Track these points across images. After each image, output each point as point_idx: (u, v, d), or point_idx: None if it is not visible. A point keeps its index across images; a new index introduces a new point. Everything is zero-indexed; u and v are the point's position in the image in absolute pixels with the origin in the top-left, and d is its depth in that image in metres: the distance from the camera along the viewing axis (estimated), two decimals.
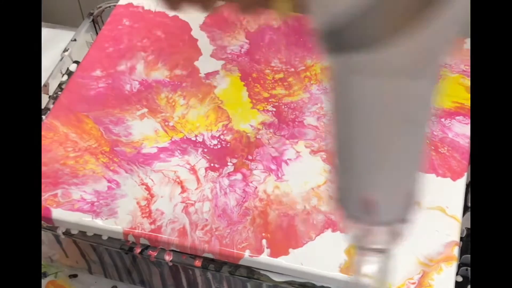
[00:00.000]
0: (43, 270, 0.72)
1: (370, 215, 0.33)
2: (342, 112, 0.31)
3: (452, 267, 0.59)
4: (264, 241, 0.60)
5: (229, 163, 0.67)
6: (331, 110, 0.32)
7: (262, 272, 0.60)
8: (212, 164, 0.67)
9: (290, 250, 0.60)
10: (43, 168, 0.66)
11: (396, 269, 0.41)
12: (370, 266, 0.36)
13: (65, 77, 0.77)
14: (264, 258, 0.59)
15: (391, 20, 0.26)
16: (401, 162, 0.33)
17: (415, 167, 0.34)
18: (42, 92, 0.75)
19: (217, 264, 0.61)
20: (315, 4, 0.28)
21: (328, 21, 0.27)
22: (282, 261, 0.59)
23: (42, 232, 0.65)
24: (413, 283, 0.58)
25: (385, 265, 0.36)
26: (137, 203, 0.64)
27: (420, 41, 0.27)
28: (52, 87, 0.76)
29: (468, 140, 0.68)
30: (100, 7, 0.85)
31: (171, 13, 0.70)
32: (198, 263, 0.61)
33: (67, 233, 0.64)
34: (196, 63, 0.77)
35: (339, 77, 0.30)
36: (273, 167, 0.66)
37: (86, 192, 0.65)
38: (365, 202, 0.33)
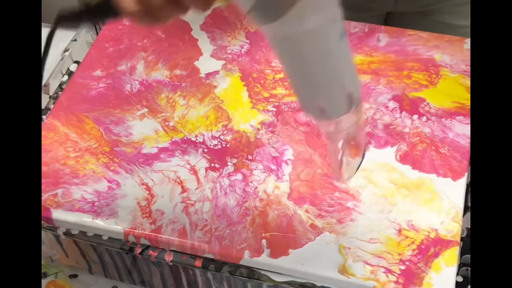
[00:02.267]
0: (43, 270, 0.72)
1: (324, 115, 0.49)
2: (287, 58, 0.47)
3: (452, 267, 0.59)
4: (264, 242, 0.60)
5: (229, 163, 0.67)
6: (280, 58, 0.47)
7: (262, 272, 0.60)
8: (212, 164, 0.67)
9: (290, 250, 0.60)
10: (44, 168, 0.66)
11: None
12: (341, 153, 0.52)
13: (66, 77, 0.77)
14: (264, 258, 0.59)
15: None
16: (331, 81, 0.47)
17: (345, 81, 0.48)
18: (42, 92, 0.75)
19: (217, 264, 0.61)
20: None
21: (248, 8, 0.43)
22: (282, 261, 0.59)
23: (43, 232, 0.65)
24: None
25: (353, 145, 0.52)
26: (138, 203, 0.64)
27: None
28: (53, 87, 0.76)
29: (469, 140, 0.68)
30: None
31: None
32: (198, 263, 0.61)
33: (67, 233, 0.64)
34: (196, 63, 0.77)
35: (274, 39, 0.46)
36: (273, 167, 0.66)
37: (86, 191, 0.65)
38: (319, 109, 0.48)
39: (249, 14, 0.43)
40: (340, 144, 0.52)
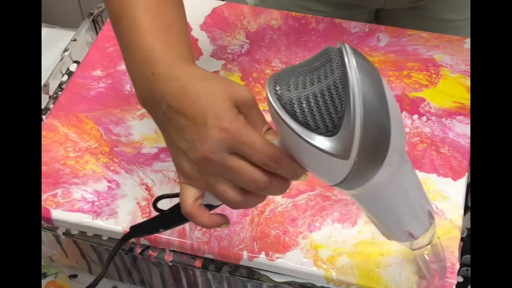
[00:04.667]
0: (43, 270, 0.72)
1: (412, 237, 0.51)
2: (372, 204, 0.49)
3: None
4: (261, 242, 0.60)
5: None
6: (363, 206, 0.50)
7: (262, 272, 0.60)
8: None
9: (288, 251, 0.60)
10: (44, 168, 0.66)
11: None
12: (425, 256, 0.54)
13: (65, 77, 0.77)
14: (263, 259, 0.59)
15: (364, 174, 0.44)
16: (415, 208, 0.50)
17: (423, 202, 0.50)
18: (42, 92, 0.75)
19: (217, 265, 0.61)
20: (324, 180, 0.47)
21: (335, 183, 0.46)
22: (281, 262, 0.59)
23: (42, 232, 0.65)
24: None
25: (436, 251, 0.54)
26: (137, 203, 0.64)
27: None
28: (52, 87, 0.76)
29: (469, 140, 0.68)
30: (100, 7, 0.84)
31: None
32: (198, 263, 0.61)
33: (67, 233, 0.64)
34: (196, 63, 0.77)
35: (358, 196, 0.48)
36: None
37: (87, 191, 0.65)
38: (407, 233, 0.50)
39: (333, 185, 0.46)
40: (426, 256, 0.54)
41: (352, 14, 0.88)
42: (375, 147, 0.42)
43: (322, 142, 0.42)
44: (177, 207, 0.52)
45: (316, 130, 0.42)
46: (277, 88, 0.43)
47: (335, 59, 0.42)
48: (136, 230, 0.56)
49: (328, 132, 0.42)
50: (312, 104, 0.42)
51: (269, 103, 0.44)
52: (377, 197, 0.47)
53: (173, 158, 0.50)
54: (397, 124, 0.43)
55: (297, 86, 0.43)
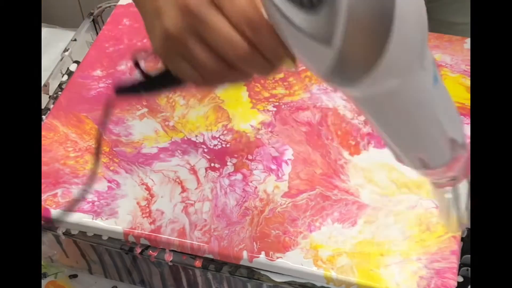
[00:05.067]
0: (43, 270, 0.72)
1: (426, 166, 0.43)
2: (374, 116, 0.41)
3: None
4: (261, 242, 0.60)
5: (229, 163, 0.67)
6: (365, 115, 0.42)
7: (262, 272, 0.60)
8: (212, 164, 0.67)
9: (288, 251, 0.60)
10: (44, 168, 0.66)
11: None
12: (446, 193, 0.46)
13: (65, 77, 0.77)
14: (263, 259, 0.59)
15: (356, 69, 0.35)
16: (431, 131, 0.41)
17: (447, 127, 0.42)
18: (42, 92, 0.75)
19: (217, 264, 0.61)
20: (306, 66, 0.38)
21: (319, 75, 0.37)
22: (281, 262, 0.59)
23: (42, 232, 0.65)
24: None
25: (456, 192, 0.46)
26: (137, 203, 0.64)
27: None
28: (52, 87, 0.76)
29: (469, 140, 0.68)
30: (100, 7, 0.85)
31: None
32: (198, 263, 0.61)
33: (67, 233, 0.64)
34: None
35: (356, 100, 0.40)
36: (273, 167, 0.66)
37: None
38: (419, 160, 0.42)
39: (323, 79, 0.38)
40: (448, 194, 0.47)
41: None
42: (368, 34, 0.33)
43: (300, 18, 0.34)
44: (166, 73, 0.48)
45: (296, 2, 0.34)
46: None
47: None
48: (119, 90, 0.53)
49: (309, 7, 0.34)
50: None
51: None
52: (382, 105, 0.39)
53: (148, 29, 0.46)
54: (409, 8, 0.34)
55: None
